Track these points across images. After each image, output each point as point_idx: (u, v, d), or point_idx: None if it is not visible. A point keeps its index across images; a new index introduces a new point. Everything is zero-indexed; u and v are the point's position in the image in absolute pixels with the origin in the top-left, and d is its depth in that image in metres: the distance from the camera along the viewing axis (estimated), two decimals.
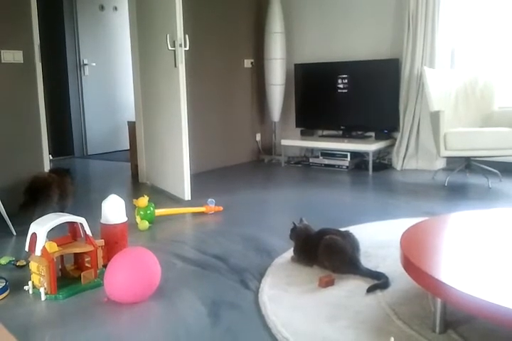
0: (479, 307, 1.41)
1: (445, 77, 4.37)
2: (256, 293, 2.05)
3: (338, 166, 4.87)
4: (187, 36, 3.53)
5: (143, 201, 3.03)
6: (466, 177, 4.29)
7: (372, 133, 4.98)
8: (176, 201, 3.68)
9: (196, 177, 4.29)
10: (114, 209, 2.38)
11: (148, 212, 3.05)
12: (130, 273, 1.95)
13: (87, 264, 2.17)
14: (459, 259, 1.70)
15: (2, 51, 3.25)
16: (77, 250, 2.15)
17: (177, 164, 3.74)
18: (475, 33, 4.57)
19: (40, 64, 3.52)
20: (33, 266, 2.07)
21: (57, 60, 5.85)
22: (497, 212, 2.35)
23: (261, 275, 2.23)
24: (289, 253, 2.43)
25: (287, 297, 1.98)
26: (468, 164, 4.20)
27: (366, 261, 2.26)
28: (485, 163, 4.25)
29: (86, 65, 6.01)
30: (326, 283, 2.07)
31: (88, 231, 2.17)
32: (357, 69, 4.92)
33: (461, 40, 4.60)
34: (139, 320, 1.84)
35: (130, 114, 5.27)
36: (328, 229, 2.30)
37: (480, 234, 1.97)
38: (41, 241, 2.03)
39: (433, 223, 2.13)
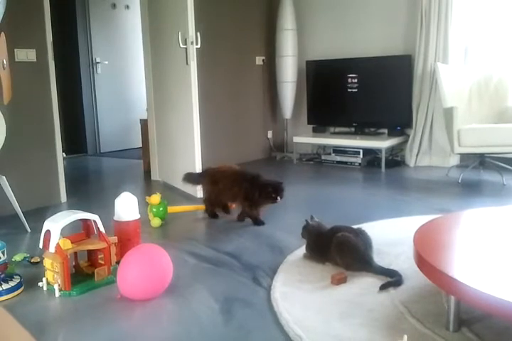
0: (494, 305, 1.39)
1: (459, 73, 4.33)
2: (268, 290, 2.05)
3: (351, 163, 4.85)
4: (198, 34, 3.53)
5: (155, 198, 3.04)
6: (480, 174, 4.25)
7: (385, 130, 4.96)
8: (188, 198, 3.69)
9: None
10: (126, 207, 2.39)
11: (161, 209, 3.06)
12: (143, 270, 1.96)
13: (100, 261, 2.18)
14: (473, 257, 1.69)
15: (16, 50, 3.27)
16: (91, 247, 2.16)
17: (189, 161, 3.74)
18: (488, 28, 4.52)
19: (53, 62, 3.54)
20: (47, 262, 2.09)
21: (70, 59, 5.89)
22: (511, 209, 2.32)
23: (273, 272, 2.23)
24: (302, 250, 2.43)
25: (299, 294, 1.98)
26: (482, 161, 4.16)
27: (379, 259, 2.25)
28: (499, 160, 4.21)
29: (98, 63, 6.05)
30: (339, 281, 2.06)
31: (101, 228, 2.18)
32: (369, 65, 4.89)
33: (474, 35, 4.55)
34: (152, 317, 1.85)
35: (142, 112, 5.29)
36: (340, 226, 2.29)
37: (494, 232, 1.95)
38: (55, 238, 2.05)
39: (447, 220, 2.11)
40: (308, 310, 1.84)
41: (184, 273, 2.25)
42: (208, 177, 3.09)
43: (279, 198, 2.86)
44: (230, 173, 3.02)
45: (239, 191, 2.93)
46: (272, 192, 2.84)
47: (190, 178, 3.27)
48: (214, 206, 3.16)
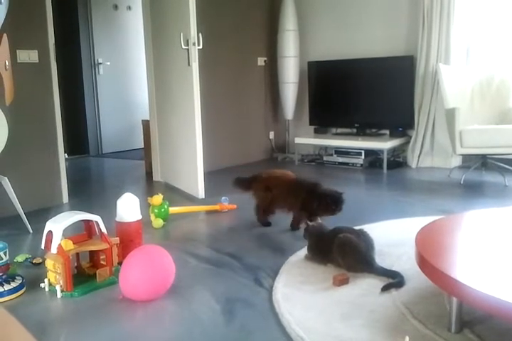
0: (496, 306, 1.39)
1: (461, 73, 4.33)
2: (270, 291, 2.05)
3: (352, 164, 4.85)
4: (200, 35, 3.53)
5: (157, 199, 3.05)
6: (482, 175, 4.24)
7: (387, 131, 4.95)
8: (189, 199, 3.69)
9: (210, 176, 4.30)
10: (128, 207, 2.40)
11: (163, 210, 3.06)
12: (145, 271, 1.96)
13: (102, 262, 2.19)
14: (475, 258, 1.68)
15: (18, 51, 3.28)
16: (93, 248, 2.16)
17: (191, 162, 3.75)
18: (490, 29, 4.52)
19: (55, 63, 3.55)
20: (49, 263, 2.09)
21: (72, 59, 5.89)
22: None
23: (275, 273, 2.22)
24: (303, 251, 2.43)
25: (301, 295, 1.98)
26: (484, 162, 4.16)
27: (381, 260, 2.24)
28: (501, 161, 4.20)
29: (100, 64, 6.05)
30: (340, 282, 2.06)
31: (103, 229, 2.19)
32: (371, 66, 4.89)
33: (476, 36, 4.55)
34: (154, 318, 1.85)
35: (144, 113, 5.30)
36: (342, 227, 2.29)
37: (496, 233, 1.95)
38: (57, 239, 2.05)
39: (449, 221, 2.11)
40: (309, 311, 1.84)
41: (186, 274, 2.25)
42: (261, 182, 2.90)
43: (338, 210, 2.66)
44: (285, 180, 2.84)
45: (296, 201, 2.74)
46: (331, 203, 2.65)
47: (240, 183, 3.04)
48: (267, 213, 2.94)
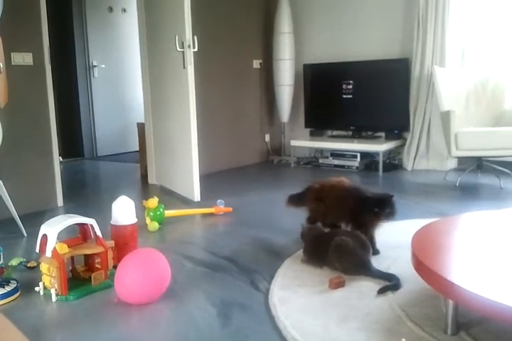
0: (492, 308, 1.39)
1: (456, 76, 4.34)
2: (266, 294, 2.04)
3: (348, 167, 4.85)
4: (195, 37, 3.53)
5: (152, 202, 3.04)
6: (478, 178, 4.25)
7: (383, 134, 4.96)
8: (185, 202, 3.69)
9: (205, 179, 4.30)
10: (124, 211, 2.39)
11: (158, 213, 3.05)
12: (140, 274, 1.95)
13: (97, 265, 2.17)
14: (471, 260, 1.69)
15: (12, 53, 3.27)
16: (88, 251, 2.15)
17: (186, 165, 3.74)
18: (485, 31, 4.54)
19: (50, 66, 3.53)
20: (43, 267, 2.08)
21: (67, 62, 5.88)
22: (509, 212, 2.32)
23: (271, 276, 2.22)
24: (299, 254, 2.42)
25: (297, 298, 1.97)
26: (479, 164, 4.17)
27: (377, 262, 2.24)
28: (497, 163, 4.21)
29: (95, 66, 6.04)
30: (337, 285, 2.05)
31: (98, 233, 2.18)
32: (366, 69, 4.90)
33: (471, 38, 4.57)
34: (149, 321, 1.84)
35: (139, 115, 5.29)
36: (338, 230, 2.29)
37: (492, 235, 1.95)
38: (52, 243, 2.04)
39: (444, 224, 2.11)
40: (305, 314, 1.83)
41: (181, 277, 2.24)
42: (312, 193, 2.61)
43: (385, 216, 2.33)
44: (339, 189, 2.51)
45: (344, 211, 2.44)
46: (375, 206, 2.33)
47: (293, 200, 2.76)
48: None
